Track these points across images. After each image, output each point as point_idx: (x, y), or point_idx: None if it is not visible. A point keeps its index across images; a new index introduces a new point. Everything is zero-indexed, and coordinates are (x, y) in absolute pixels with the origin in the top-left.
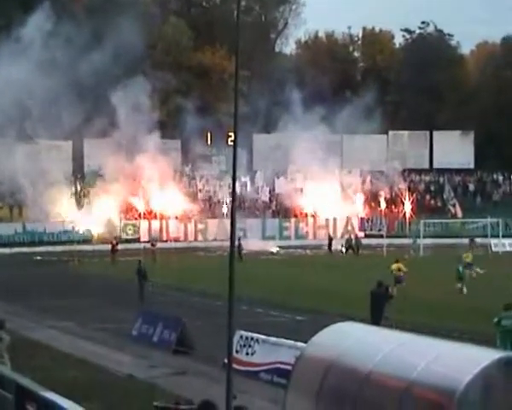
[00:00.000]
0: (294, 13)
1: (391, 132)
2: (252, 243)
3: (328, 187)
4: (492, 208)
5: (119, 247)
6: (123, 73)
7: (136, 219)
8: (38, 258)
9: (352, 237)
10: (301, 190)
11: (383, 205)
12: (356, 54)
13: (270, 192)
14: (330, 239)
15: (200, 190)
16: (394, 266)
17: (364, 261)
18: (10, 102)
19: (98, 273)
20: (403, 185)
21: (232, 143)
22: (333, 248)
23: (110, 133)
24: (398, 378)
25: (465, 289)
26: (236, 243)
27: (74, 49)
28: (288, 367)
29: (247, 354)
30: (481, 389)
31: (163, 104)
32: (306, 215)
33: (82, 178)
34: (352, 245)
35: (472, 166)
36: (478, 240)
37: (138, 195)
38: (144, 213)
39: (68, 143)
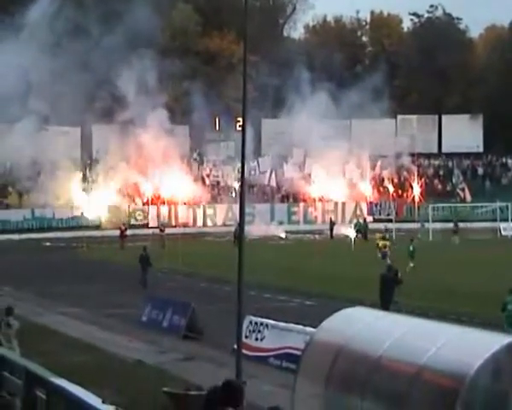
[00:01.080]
0: None
1: (399, 117)
2: (260, 228)
3: (337, 171)
4: (501, 192)
5: (128, 232)
6: (131, 58)
7: (144, 204)
8: (47, 244)
9: (361, 220)
10: (309, 174)
11: (392, 189)
12: (364, 38)
13: (278, 177)
14: (332, 224)
15: (208, 176)
16: (381, 243)
17: (373, 245)
18: (17, 86)
19: (107, 259)
20: (411, 170)
21: (240, 128)
22: (341, 232)
23: (118, 119)
24: (409, 363)
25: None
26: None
27: (81, 34)
28: (298, 352)
29: (257, 339)
30: (492, 374)
31: (171, 89)
32: (315, 200)
33: (90, 164)
34: (361, 229)
35: (481, 149)
36: (487, 224)
37: (147, 180)
38: (153, 199)
39: (76, 129)
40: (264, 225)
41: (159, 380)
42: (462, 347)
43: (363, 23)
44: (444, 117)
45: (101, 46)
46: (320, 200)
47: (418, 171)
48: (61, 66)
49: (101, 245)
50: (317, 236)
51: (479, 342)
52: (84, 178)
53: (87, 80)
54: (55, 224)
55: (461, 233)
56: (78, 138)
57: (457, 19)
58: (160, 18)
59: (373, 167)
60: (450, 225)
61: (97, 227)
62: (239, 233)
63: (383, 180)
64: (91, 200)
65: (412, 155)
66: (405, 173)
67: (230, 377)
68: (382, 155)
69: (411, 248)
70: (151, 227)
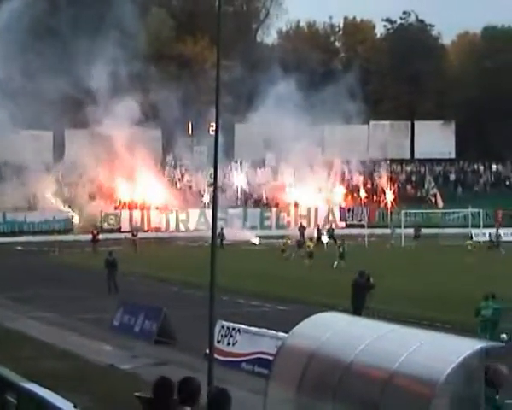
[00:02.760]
0: (276, 3)
1: (372, 122)
2: (233, 233)
3: (309, 177)
4: (473, 198)
5: (101, 237)
6: (104, 62)
7: (117, 208)
8: (19, 248)
9: (334, 226)
10: (283, 179)
11: (364, 195)
12: (337, 44)
13: (251, 181)
14: (303, 229)
15: (180, 180)
16: (309, 243)
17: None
18: None
19: (79, 264)
20: (384, 175)
21: (213, 133)
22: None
23: (91, 123)
24: (380, 369)
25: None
26: (218, 231)
27: (52, 36)
28: (270, 357)
29: (229, 344)
30: (463, 379)
31: (144, 94)
32: (288, 205)
33: (62, 168)
34: (333, 235)
35: (453, 156)
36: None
37: (119, 184)
38: (125, 203)
39: (48, 133)
40: (237, 230)
41: (131, 385)
42: (433, 352)
43: (337, 29)
44: (416, 123)
45: (73, 48)
46: (295, 205)
47: (391, 176)
48: (32, 67)
49: (73, 249)
50: (289, 241)
51: (450, 348)
52: (57, 182)
53: (58, 83)
54: (27, 228)
55: (434, 239)
56: (51, 142)
57: (430, 25)
58: (135, 22)
59: (345, 173)
60: (423, 230)
61: (69, 231)
62: (212, 238)
63: (356, 186)
64: (64, 204)
65: (385, 160)
66: (378, 179)
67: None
68: (355, 160)
69: (341, 249)
70: (123, 232)
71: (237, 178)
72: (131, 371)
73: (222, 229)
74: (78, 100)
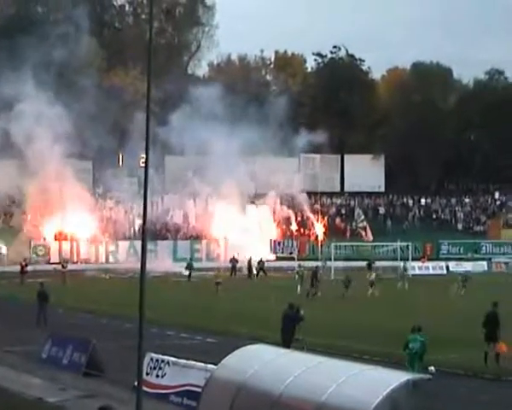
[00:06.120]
0: (207, 35)
1: (302, 155)
2: (163, 265)
3: (239, 209)
4: (402, 232)
5: (29, 268)
6: (34, 92)
7: (45, 240)
8: None
9: (263, 259)
10: (212, 212)
11: (294, 228)
12: (268, 77)
13: (181, 214)
14: (235, 261)
15: (110, 211)
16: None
17: (275, 283)
18: None
19: (7, 294)
20: (314, 208)
21: (144, 165)
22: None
23: (19, 154)
24: (309, 401)
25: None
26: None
27: None
28: (198, 390)
29: (158, 376)
30: None
31: (74, 125)
32: (218, 238)
33: None
34: (264, 267)
35: (382, 189)
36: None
37: (49, 216)
38: (55, 235)
39: None
40: (166, 262)
41: None
42: (361, 384)
43: (268, 62)
44: (346, 156)
45: (3, 78)
46: (225, 238)
47: (321, 209)
48: None
49: (1, 281)
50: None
51: (378, 380)
52: None
53: None
54: None
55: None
56: None
57: (360, 60)
58: (66, 51)
59: (275, 205)
60: (353, 263)
61: None
62: (141, 271)
63: (286, 219)
64: None
65: (315, 193)
66: (308, 212)
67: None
68: (285, 193)
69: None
70: (52, 263)
71: (167, 211)
72: (60, 404)
73: (191, 259)
74: (6, 131)
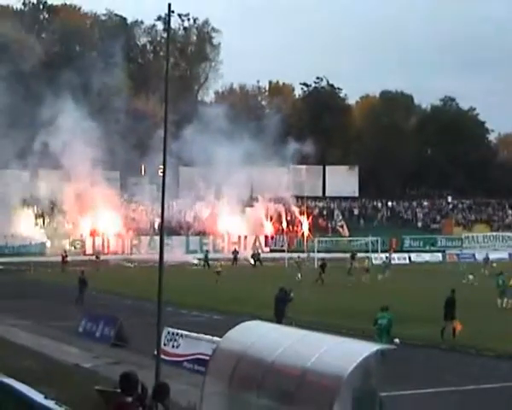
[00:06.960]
0: (213, 69)
1: (291, 166)
2: (177, 256)
3: (239, 210)
4: (373, 229)
5: (68, 259)
6: (72, 113)
7: (82, 235)
8: (1, 267)
9: (259, 251)
10: (217, 213)
11: (285, 225)
12: (264, 102)
13: (192, 214)
14: (236, 253)
15: (134, 212)
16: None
17: (270, 271)
18: None
19: (50, 280)
20: (301, 209)
21: (162, 174)
22: (240, 260)
23: (61, 165)
24: (296, 367)
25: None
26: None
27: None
28: (207, 358)
29: (173, 346)
30: (363, 375)
31: (105, 141)
32: (222, 234)
33: (37, 203)
34: (260, 258)
35: (357, 194)
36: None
37: (84, 216)
38: (90, 231)
39: (26, 173)
40: (180, 254)
41: (92, 380)
42: (339, 353)
43: (263, 90)
44: (327, 168)
45: (46, 103)
46: (227, 234)
47: (306, 211)
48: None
49: (45, 269)
50: (222, 262)
51: (353, 350)
52: (35, 215)
53: (30, 132)
54: (8, 251)
55: (342, 262)
56: (28, 181)
57: (338, 88)
58: (99, 80)
59: (269, 207)
60: (333, 254)
61: (43, 254)
62: (159, 260)
63: (278, 218)
64: (39, 232)
65: (302, 197)
66: (296, 212)
67: (150, 378)
68: (278, 196)
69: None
70: (88, 254)
71: (180, 211)
72: (93, 369)
73: (207, 251)
74: (47, 144)
